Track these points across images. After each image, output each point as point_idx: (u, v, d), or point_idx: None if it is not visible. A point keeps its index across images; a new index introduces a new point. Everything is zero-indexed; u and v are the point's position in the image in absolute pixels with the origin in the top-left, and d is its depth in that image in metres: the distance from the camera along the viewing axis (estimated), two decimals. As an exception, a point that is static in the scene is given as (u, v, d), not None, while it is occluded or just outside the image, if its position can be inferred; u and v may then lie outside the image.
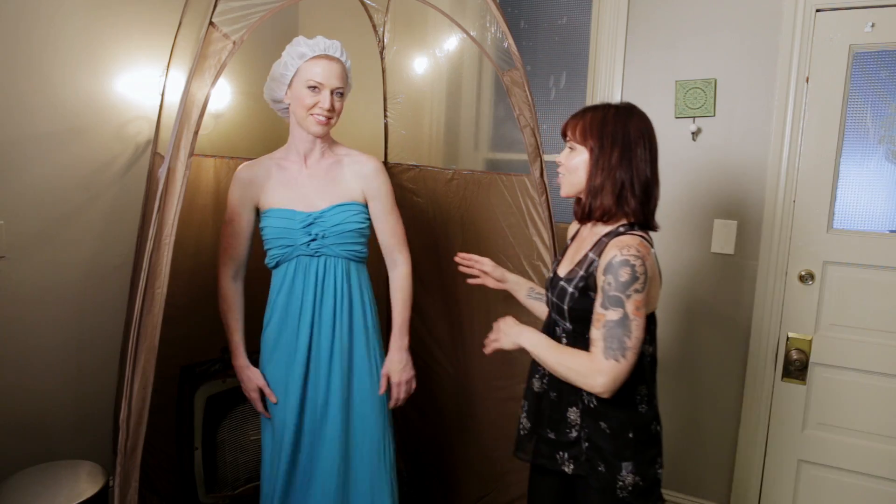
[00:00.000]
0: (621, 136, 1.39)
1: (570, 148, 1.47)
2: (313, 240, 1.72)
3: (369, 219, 1.83)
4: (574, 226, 1.64)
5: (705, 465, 2.55)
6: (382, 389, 1.83)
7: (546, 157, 2.04)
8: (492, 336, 1.57)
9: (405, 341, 1.87)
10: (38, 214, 2.07)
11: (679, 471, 2.57)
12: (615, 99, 2.56)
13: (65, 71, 2.08)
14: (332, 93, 1.67)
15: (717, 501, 2.54)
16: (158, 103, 2.26)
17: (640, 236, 1.38)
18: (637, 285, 1.29)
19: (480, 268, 1.77)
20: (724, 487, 2.51)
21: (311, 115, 1.68)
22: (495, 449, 2.27)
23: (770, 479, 2.42)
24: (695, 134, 2.43)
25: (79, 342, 2.22)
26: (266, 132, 2.75)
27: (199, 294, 2.30)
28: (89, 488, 1.85)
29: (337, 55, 1.69)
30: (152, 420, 1.58)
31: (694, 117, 2.42)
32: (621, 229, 1.41)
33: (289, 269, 1.75)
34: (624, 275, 1.29)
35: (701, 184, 2.45)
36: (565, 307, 1.43)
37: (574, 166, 1.44)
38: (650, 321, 1.42)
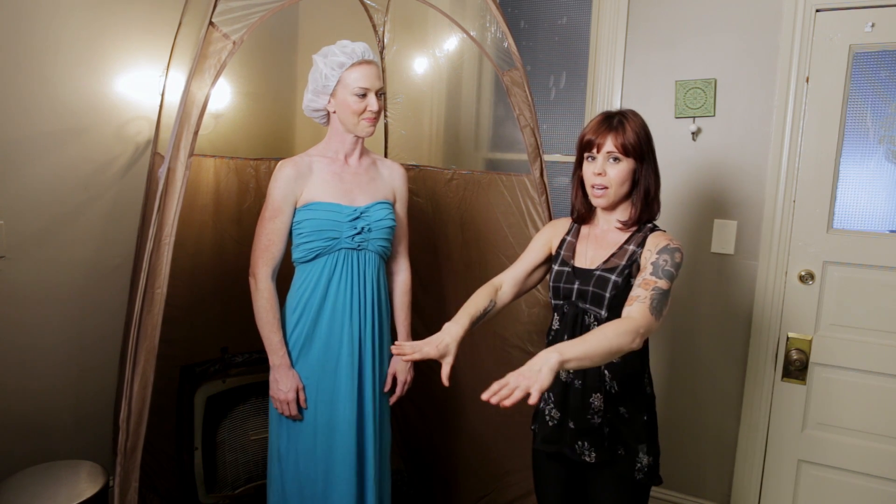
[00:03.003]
0: (650, 144, 1.51)
1: (615, 159, 1.48)
2: (358, 233, 1.76)
3: None
4: (563, 224, 1.68)
5: (705, 465, 2.55)
6: (388, 387, 1.89)
7: (546, 157, 2.04)
8: (510, 393, 1.20)
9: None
10: (38, 214, 2.07)
11: (679, 471, 2.57)
12: (615, 98, 2.56)
13: (65, 71, 2.08)
14: (376, 94, 1.73)
15: (717, 501, 2.54)
16: (158, 103, 2.26)
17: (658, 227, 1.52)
18: (679, 271, 1.43)
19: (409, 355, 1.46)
20: (724, 487, 2.51)
21: (363, 119, 1.74)
22: (495, 449, 2.28)
23: (770, 479, 2.42)
24: (695, 134, 2.43)
25: (79, 342, 2.22)
26: (266, 132, 2.76)
27: (199, 294, 2.30)
28: (89, 488, 1.85)
29: (371, 58, 1.75)
30: (152, 420, 1.59)
31: (694, 117, 2.42)
32: (650, 226, 1.53)
33: (328, 263, 1.75)
34: (678, 258, 1.43)
35: (701, 184, 2.45)
36: (607, 295, 1.48)
37: (623, 178, 1.48)
38: None
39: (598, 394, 1.49)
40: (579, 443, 1.51)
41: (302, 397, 1.75)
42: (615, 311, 1.46)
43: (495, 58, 2.04)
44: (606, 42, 2.57)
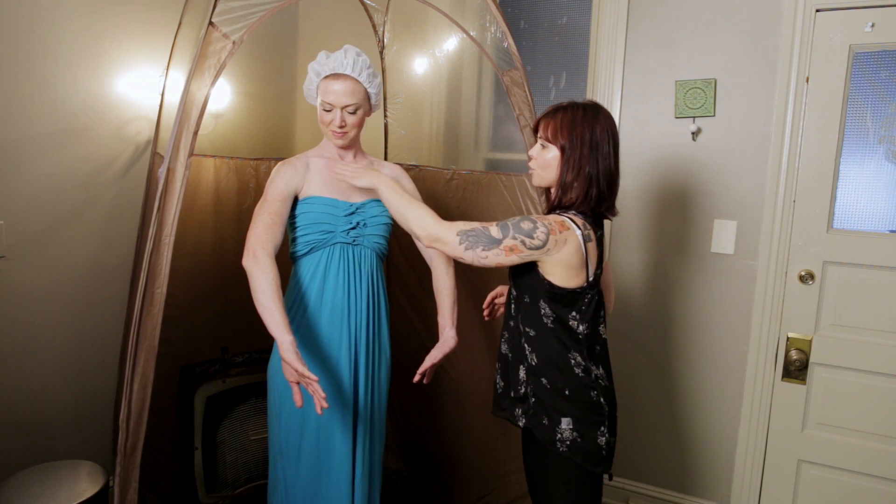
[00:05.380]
0: (589, 136, 1.52)
1: (542, 145, 1.58)
2: (353, 228, 1.78)
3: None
4: None
5: (705, 465, 2.55)
6: (417, 377, 1.80)
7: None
8: (340, 170, 1.71)
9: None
10: (38, 214, 2.07)
11: (679, 471, 2.58)
12: (615, 98, 2.56)
13: (65, 71, 2.08)
14: (343, 110, 1.73)
15: (717, 501, 2.54)
16: (158, 103, 2.26)
17: (569, 218, 1.50)
18: (526, 237, 1.44)
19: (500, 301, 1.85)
20: (724, 487, 2.51)
21: (330, 131, 1.77)
22: (495, 449, 2.28)
23: (770, 479, 2.42)
24: (695, 134, 2.43)
25: (79, 342, 2.22)
26: (266, 132, 2.76)
27: (199, 294, 2.30)
28: (89, 488, 1.85)
29: (347, 72, 1.71)
30: (152, 420, 1.58)
31: (694, 117, 2.42)
32: (558, 211, 1.56)
33: (323, 257, 1.77)
34: (526, 223, 1.45)
35: (701, 184, 2.45)
36: (510, 269, 1.60)
37: (546, 162, 1.57)
38: (589, 302, 1.53)
39: (522, 365, 1.59)
40: (517, 410, 1.61)
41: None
42: (522, 289, 1.56)
43: (495, 58, 2.04)
44: (606, 42, 2.57)
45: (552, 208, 1.59)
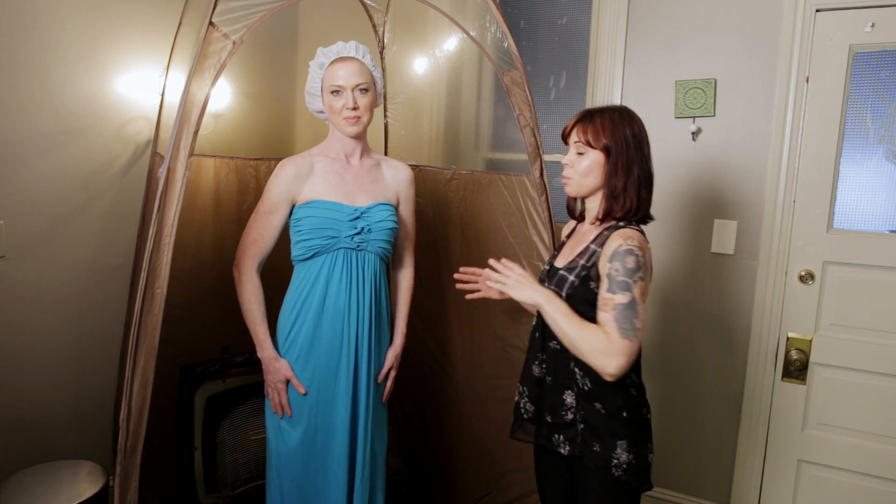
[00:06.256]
0: (632, 135, 1.46)
1: (580, 151, 1.49)
2: (358, 233, 1.75)
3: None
4: (570, 225, 1.71)
5: (705, 465, 2.55)
6: (381, 379, 1.87)
7: (546, 157, 2.04)
8: (497, 277, 1.48)
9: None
10: (38, 214, 2.07)
11: (679, 471, 2.58)
12: (615, 99, 2.56)
13: (65, 71, 2.08)
14: (353, 91, 1.71)
15: (717, 501, 2.54)
16: (158, 103, 2.26)
17: (639, 231, 1.46)
18: (641, 273, 1.36)
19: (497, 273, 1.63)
20: (724, 487, 2.51)
21: (343, 118, 1.73)
22: (495, 449, 2.28)
23: (770, 479, 2.42)
24: (695, 134, 2.43)
25: (79, 342, 2.22)
26: (266, 132, 2.76)
27: (199, 294, 2.30)
28: (89, 488, 1.85)
29: (351, 54, 1.73)
30: (152, 420, 1.58)
31: (694, 117, 2.43)
32: (621, 224, 1.47)
33: (326, 262, 1.74)
34: (630, 262, 1.35)
35: (701, 184, 2.45)
36: (563, 294, 1.47)
37: (587, 169, 1.48)
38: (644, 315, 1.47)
39: (570, 391, 1.50)
40: (555, 436, 1.53)
41: (297, 384, 1.75)
42: (576, 311, 1.45)
43: (495, 58, 2.04)
44: (606, 42, 2.57)
45: (600, 219, 1.49)
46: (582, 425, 1.49)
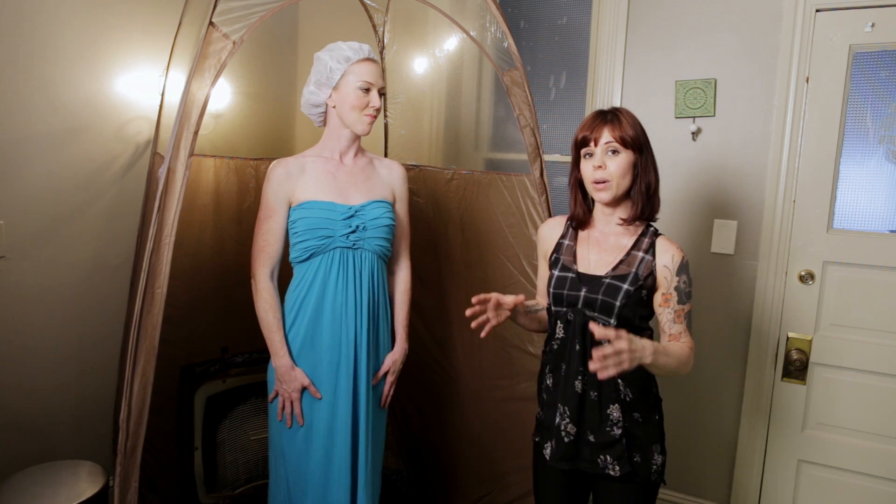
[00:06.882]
0: (646, 137, 1.48)
1: (613, 150, 1.43)
2: (353, 231, 1.75)
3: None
4: (557, 225, 1.62)
5: (705, 465, 2.55)
6: (376, 381, 1.85)
7: (546, 157, 2.04)
8: (612, 360, 1.23)
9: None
10: (38, 214, 2.07)
11: (679, 471, 2.57)
12: (615, 99, 2.56)
13: (65, 71, 2.08)
14: (378, 92, 1.75)
15: (717, 501, 2.54)
16: (158, 103, 2.26)
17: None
18: (691, 286, 1.48)
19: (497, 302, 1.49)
20: (724, 487, 2.51)
21: (364, 114, 1.75)
22: (495, 449, 2.28)
23: (770, 479, 2.42)
24: (695, 134, 2.43)
25: (79, 342, 2.22)
26: (266, 132, 2.76)
27: (199, 294, 2.30)
28: (89, 488, 1.85)
29: (375, 57, 1.77)
30: (152, 420, 1.59)
31: (694, 117, 2.42)
32: (652, 228, 1.51)
33: (323, 262, 1.74)
34: (690, 273, 1.47)
35: (701, 184, 2.45)
36: (618, 304, 1.43)
37: (624, 169, 1.44)
38: None
39: (616, 404, 1.45)
40: (601, 457, 1.46)
41: (314, 391, 1.75)
42: (624, 321, 1.43)
43: (495, 58, 2.04)
44: (606, 42, 2.57)
45: (631, 220, 1.47)
46: (625, 439, 1.45)
